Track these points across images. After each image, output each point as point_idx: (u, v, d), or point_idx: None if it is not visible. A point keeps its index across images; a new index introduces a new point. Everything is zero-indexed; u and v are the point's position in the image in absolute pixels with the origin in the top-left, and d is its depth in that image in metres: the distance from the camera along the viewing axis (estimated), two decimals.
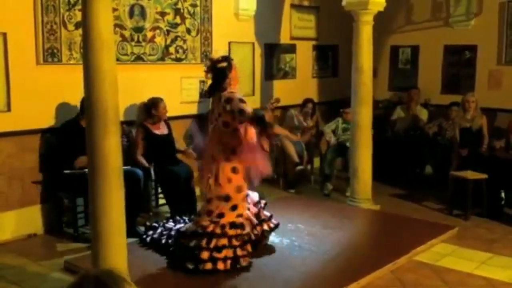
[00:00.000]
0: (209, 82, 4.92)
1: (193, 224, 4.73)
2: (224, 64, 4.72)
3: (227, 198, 4.62)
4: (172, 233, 5.03)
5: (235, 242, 4.55)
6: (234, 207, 4.63)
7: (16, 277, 4.53)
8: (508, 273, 4.66)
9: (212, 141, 4.72)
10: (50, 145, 5.53)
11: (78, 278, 1.55)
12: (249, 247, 4.70)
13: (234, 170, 4.65)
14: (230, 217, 4.60)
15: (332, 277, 4.55)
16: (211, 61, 4.81)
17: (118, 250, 3.88)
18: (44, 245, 5.32)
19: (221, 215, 4.60)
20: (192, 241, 4.56)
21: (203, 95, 6.97)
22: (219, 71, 4.71)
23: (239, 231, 4.59)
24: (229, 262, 4.53)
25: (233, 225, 4.58)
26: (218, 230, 4.53)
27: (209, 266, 4.47)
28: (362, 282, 4.42)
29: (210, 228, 4.54)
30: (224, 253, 4.50)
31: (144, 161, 5.83)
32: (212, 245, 4.48)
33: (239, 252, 4.58)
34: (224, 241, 4.52)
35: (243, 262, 4.59)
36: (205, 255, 4.47)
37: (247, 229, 4.65)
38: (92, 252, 3.95)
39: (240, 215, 4.66)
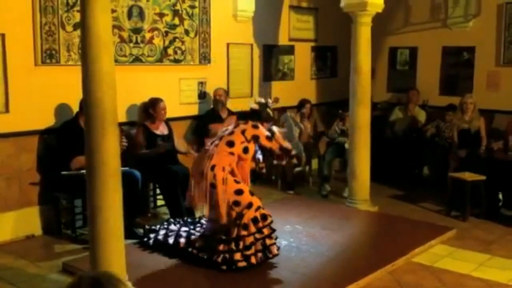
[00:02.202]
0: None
1: (214, 230, 4.77)
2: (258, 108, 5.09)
3: (236, 204, 4.64)
4: (182, 233, 5.05)
5: (258, 236, 4.64)
6: (249, 205, 4.64)
7: (14, 278, 4.53)
8: (506, 274, 4.67)
9: (205, 156, 4.79)
10: (49, 146, 5.53)
11: (75, 279, 1.57)
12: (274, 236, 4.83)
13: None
14: (250, 214, 4.63)
15: (331, 278, 4.56)
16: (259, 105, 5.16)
17: (116, 252, 3.89)
18: (42, 246, 5.32)
19: (240, 216, 4.62)
20: (219, 245, 4.63)
21: (201, 96, 6.99)
22: (254, 113, 5.03)
23: (260, 224, 4.65)
24: (259, 254, 4.65)
25: (255, 220, 4.63)
26: (243, 232, 4.59)
27: (243, 264, 4.58)
28: (360, 283, 4.42)
29: (235, 233, 4.60)
30: (253, 248, 4.62)
31: (146, 151, 5.85)
32: (241, 246, 4.58)
33: (268, 241, 4.69)
34: (250, 239, 4.60)
35: (274, 250, 4.71)
36: (237, 256, 4.57)
37: (269, 218, 4.72)
38: (90, 253, 3.95)
39: (258, 208, 4.68)
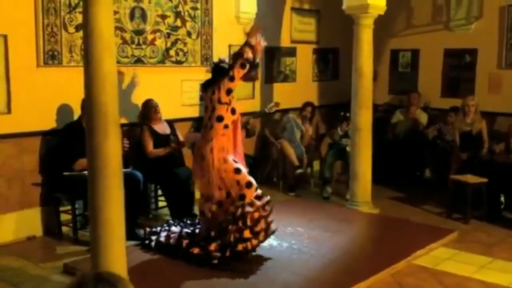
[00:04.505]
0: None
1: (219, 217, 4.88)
2: (226, 66, 5.00)
3: (237, 183, 4.80)
4: (183, 234, 5.07)
5: (263, 213, 4.79)
6: (249, 184, 4.79)
7: (15, 279, 4.53)
8: (507, 277, 4.66)
9: (204, 140, 4.90)
10: (50, 147, 5.53)
11: (78, 277, 1.58)
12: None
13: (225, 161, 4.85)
14: (251, 193, 4.77)
15: (332, 281, 4.55)
16: (219, 60, 5.14)
17: (117, 253, 3.88)
18: (43, 247, 5.32)
19: (242, 197, 4.76)
20: (229, 226, 4.72)
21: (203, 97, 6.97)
22: (219, 69, 4.99)
23: (264, 200, 4.83)
24: (263, 233, 4.80)
25: (257, 197, 4.81)
26: (248, 209, 4.71)
27: (255, 242, 4.73)
28: (361, 286, 4.42)
29: (239, 211, 4.71)
30: (260, 226, 4.75)
31: (158, 150, 5.89)
32: (249, 223, 4.68)
33: (269, 219, 4.88)
34: (256, 214, 4.74)
35: (272, 227, 4.91)
36: (247, 233, 4.68)
37: (268, 196, 4.92)
38: (92, 254, 3.94)
39: (256, 188, 4.86)
